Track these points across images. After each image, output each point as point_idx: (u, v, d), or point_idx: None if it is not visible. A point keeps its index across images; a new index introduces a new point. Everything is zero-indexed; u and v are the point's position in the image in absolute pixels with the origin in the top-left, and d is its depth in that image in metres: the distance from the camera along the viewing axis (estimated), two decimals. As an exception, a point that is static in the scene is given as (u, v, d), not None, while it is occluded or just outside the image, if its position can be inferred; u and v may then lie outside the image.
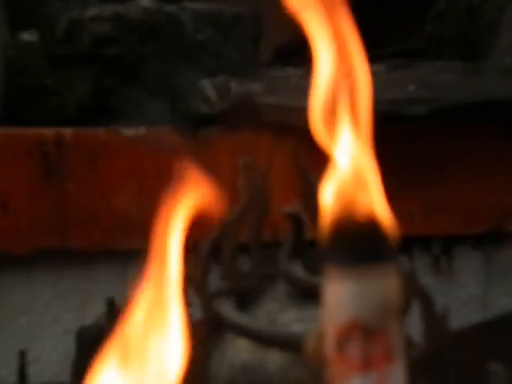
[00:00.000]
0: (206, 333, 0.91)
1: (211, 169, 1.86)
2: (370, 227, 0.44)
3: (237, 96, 1.66)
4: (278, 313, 0.91)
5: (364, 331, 0.43)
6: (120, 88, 1.75)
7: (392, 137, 1.49)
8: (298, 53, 1.97)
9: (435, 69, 1.82)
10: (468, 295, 1.53)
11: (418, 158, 1.61)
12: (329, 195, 0.48)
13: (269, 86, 1.68)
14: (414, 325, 0.91)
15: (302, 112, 1.78)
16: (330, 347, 0.44)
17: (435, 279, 1.54)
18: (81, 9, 1.80)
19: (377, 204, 0.45)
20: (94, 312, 1.55)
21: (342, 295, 0.44)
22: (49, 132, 1.68)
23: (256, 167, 1.01)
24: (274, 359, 0.89)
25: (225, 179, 1.59)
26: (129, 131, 1.69)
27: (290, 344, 0.87)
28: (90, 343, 1.45)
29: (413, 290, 0.85)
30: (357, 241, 0.44)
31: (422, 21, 2.06)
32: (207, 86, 1.69)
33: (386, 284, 0.44)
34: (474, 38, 1.96)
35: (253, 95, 1.65)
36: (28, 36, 1.83)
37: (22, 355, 1.03)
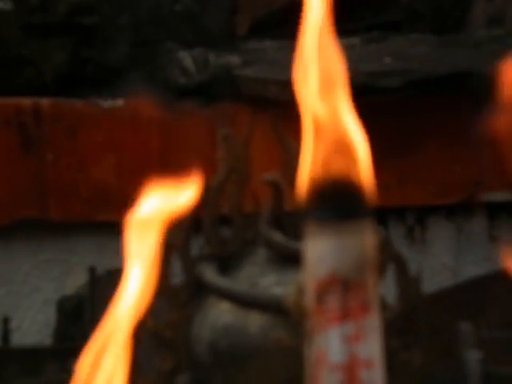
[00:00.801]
0: (188, 296, 0.94)
1: (190, 141, 1.89)
2: (348, 187, 0.46)
3: (215, 68, 1.68)
4: (258, 277, 0.93)
5: (342, 284, 0.45)
6: (97, 58, 1.76)
7: (368, 109, 1.52)
8: (274, 26, 2.00)
9: (410, 42, 1.85)
10: (440, 264, 1.56)
11: (393, 130, 1.63)
12: (309, 158, 0.49)
13: (247, 58, 1.71)
14: (389, 288, 0.96)
15: (280, 84, 1.82)
16: (310, 300, 0.46)
17: (409, 249, 1.57)
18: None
19: (355, 165, 0.46)
20: (74, 282, 1.58)
21: (321, 251, 0.46)
22: (26, 102, 1.69)
23: (235, 139, 1.03)
24: (255, 321, 0.91)
25: (204, 151, 1.63)
26: (107, 102, 1.71)
27: (270, 306, 0.90)
28: (70, 313, 1.46)
29: (388, 255, 0.89)
30: (335, 199, 0.46)
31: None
32: (185, 57, 1.71)
33: (363, 240, 0.45)
34: (447, 11, 1.99)
35: (231, 67, 1.67)
36: (2, 4, 1.84)
37: (6, 322, 1.06)
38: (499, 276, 1.16)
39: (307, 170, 0.49)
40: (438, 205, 1.69)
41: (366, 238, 0.46)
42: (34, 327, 1.57)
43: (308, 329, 0.50)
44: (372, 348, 0.51)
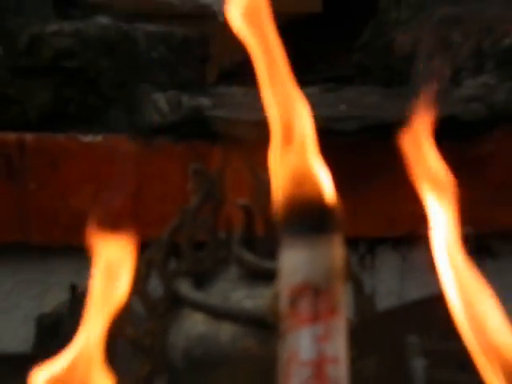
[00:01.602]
0: (165, 308, 0.95)
1: (163, 174, 1.91)
2: (318, 205, 0.49)
3: (187, 109, 1.70)
4: (230, 291, 0.95)
5: (313, 291, 0.47)
6: (79, 98, 1.77)
7: (326, 149, 1.55)
8: (239, 74, 2.03)
9: (361, 92, 1.89)
10: (387, 289, 1.59)
11: (348, 169, 1.66)
12: (281, 183, 0.50)
13: (216, 101, 1.73)
14: (347, 303, 0.98)
15: (246, 124, 1.85)
16: (284, 304, 0.48)
17: (361, 275, 1.60)
18: (41, 24, 1.81)
19: (323, 188, 0.49)
20: (52, 301, 1.58)
21: (295, 261, 0.47)
22: (11, 136, 1.69)
23: (205, 172, 1.04)
24: (226, 331, 0.93)
25: (176, 183, 1.65)
26: (87, 138, 1.71)
27: (240, 318, 0.91)
28: (49, 329, 1.46)
29: (347, 274, 0.91)
30: (307, 216, 0.48)
31: (348, 51, 2.14)
32: (160, 98, 1.73)
33: (332, 252, 0.47)
34: (392, 67, 2.04)
35: (202, 108, 1.69)
36: (-9, 50, 1.85)
37: None
38: (438, 298, 1.20)
39: (280, 192, 0.52)
40: (386, 236, 1.72)
41: (334, 251, 0.48)
42: (13, 342, 1.57)
43: (282, 329, 0.51)
44: (338, 346, 0.51)
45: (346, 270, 0.51)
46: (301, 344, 0.48)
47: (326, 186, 0.52)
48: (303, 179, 0.52)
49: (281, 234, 0.50)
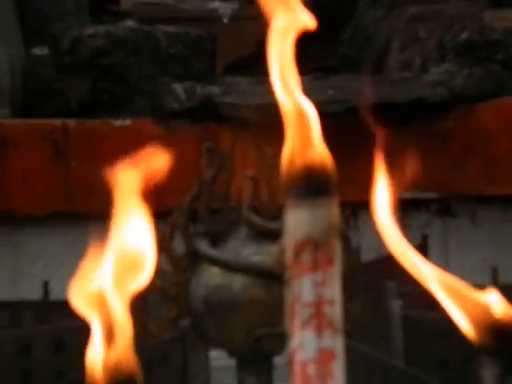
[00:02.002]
0: (187, 263, 0.95)
1: (181, 151, 1.90)
2: (318, 173, 0.47)
3: (200, 96, 1.69)
4: (240, 248, 0.94)
5: (313, 244, 0.45)
6: (111, 89, 1.76)
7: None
8: (243, 66, 2.01)
9: (345, 80, 1.88)
10: (369, 245, 1.58)
11: (334, 145, 1.65)
12: (287, 154, 0.48)
13: (224, 89, 1.72)
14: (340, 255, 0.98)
15: (250, 108, 1.83)
16: (289, 256, 0.46)
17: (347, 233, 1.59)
18: (80, 29, 1.81)
19: (322, 158, 0.47)
20: None
21: (298, 219, 0.46)
22: (56, 122, 1.69)
23: (216, 149, 1.03)
24: (238, 281, 0.92)
25: (192, 159, 1.64)
26: (117, 122, 1.72)
27: (250, 270, 0.91)
28: None
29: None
30: (309, 182, 0.47)
31: (334, 45, 2.12)
32: (177, 88, 1.72)
33: (330, 211, 0.46)
34: (371, 58, 2.02)
35: (212, 96, 1.69)
36: (39, 51, 1.84)
37: (46, 285, 1.06)
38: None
39: (286, 161, 0.51)
40: (366, 201, 1.71)
41: (331, 210, 0.47)
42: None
43: (287, 277, 0.50)
44: (334, 290, 0.50)
45: (339, 227, 0.49)
46: (303, 289, 0.48)
47: (325, 156, 0.50)
48: (306, 151, 0.50)
49: (286, 197, 0.48)
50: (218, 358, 1.13)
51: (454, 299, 0.49)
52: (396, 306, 0.87)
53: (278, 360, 0.97)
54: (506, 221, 1.77)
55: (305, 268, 0.46)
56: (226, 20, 2.24)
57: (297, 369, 0.50)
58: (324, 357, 0.48)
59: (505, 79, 1.80)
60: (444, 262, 1.56)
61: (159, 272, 0.94)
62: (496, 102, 1.76)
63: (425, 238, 1.18)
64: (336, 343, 0.49)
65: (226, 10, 2.26)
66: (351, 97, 1.72)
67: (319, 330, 0.49)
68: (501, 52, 1.82)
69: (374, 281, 0.96)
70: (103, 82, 1.76)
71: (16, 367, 0.72)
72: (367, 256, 1.44)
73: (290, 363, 0.51)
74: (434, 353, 0.82)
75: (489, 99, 1.77)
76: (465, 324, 0.48)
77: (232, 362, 1.00)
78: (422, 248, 1.18)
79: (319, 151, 0.51)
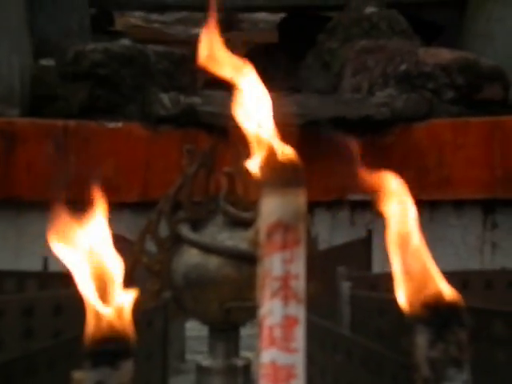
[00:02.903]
0: (170, 244, 0.94)
1: (165, 152, 1.89)
2: (289, 167, 0.48)
3: (184, 105, 1.69)
4: (217, 233, 0.93)
5: (284, 227, 0.46)
6: (106, 96, 1.75)
7: (283, 137, 1.54)
8: (220, 81, 2.01)
9: (306, 98, 1.89)
10: (321, 238, 1.59)
11: (297, 151, 1.65)
12: (260, 155, 0.49)
13: (204, 100, 1.72)
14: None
15: (227, 117, 1.82)
16: (262, 237, 0.46)
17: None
18: (82, 44, 1.80)
19: (292, 157, 0.48)
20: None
21: (271, 206, 0.46)
22: (58, 123, 1.67)
23: (195, 151, 1.02)
24: (213, 262, 0.92)
25: (174, 159, 1.64)
26: (111, 124, 1.70)
27: (224, 253, 0.90)
28: None
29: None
30: (281, 174, 0.47)
31: (297, 69, 2.14)
32: (164, 97, 1.72)
33: (298, 199, 0.47)
34: (328, 80, 2.04)
35: (194, 105, 1.68)
36: (45, 62, 1.82)
37: (45, 260, 1.05)
38: (355, 244, 1.21)
39: (259, 162, 0.51)
40: (321, 200, 1.72)
41: (300, 199, 0.47)
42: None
43: (260, 255, 0.50)
44: (300, 267, 0.51)
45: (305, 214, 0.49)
46: (273, 265, 0.50)
47: (295, 156, 0.51)
48: (278, 152, 0.50)
49: (261, 187, 0.50)
50: (192, 328, 1.13)
51: (402, 279, 0.50)
52: (345, 287, 0.88)
53: (243, 332, 0.97)
54: (434, 222, 1.80)
55: (275, 247, 0.46)
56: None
57: (265, 332, 0.50)
58: (288, 322, 0.48)
59: (434, 104, 1.84)
60: (384, 253, 1.57)
61: (145, 251, 0.94)
62: (428, 122, 1.80)
63: (369, 232, 1.19)
64: (299, 311, 0.49)
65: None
66: (311, 112, 1.74)
67: (285, 299, 0.49)
68: (432, 82, 1.86)
69: (327, 266, 0.96)
70: (100, 89, 1.76)
71: (21, 327, 0.71)
72: (320, 247, 1.45)
73: (259, 327, 0.51)
74: (375, 326, 0.83)
75: (422, 120, 1.80)
76: (404, 300, 0.49)
77: (203, 332, 1.00)
78: (367, 240, 1.19)
79: (289, 152, 0.51)
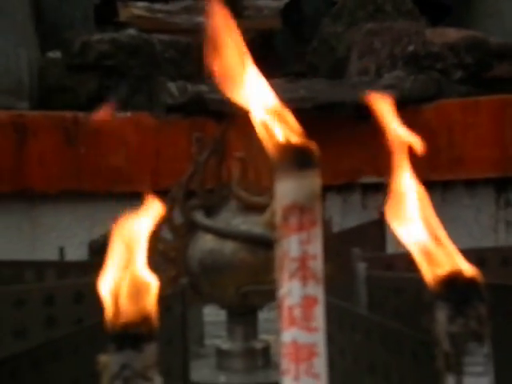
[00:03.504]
0: (185, 231, 0.95)
1: (174, 140, 1.89)
2: (303, 150, 0.47)
3: (191, 93, 1.69)
4: (230, 219, 0.94)
5: (299, 209, 0.45)
6: (114, 86, 1.76)
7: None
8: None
9: (313, 82, 1.89)
10: (333, 221, 1.59)
11: (305, 135, 1.65)
12: (273, 137, 0.48)
13: (211, 88, 1.71)
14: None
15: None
16: (279, 219, 0.46)
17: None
18: (88, 35, 1.80)
19: (306, 139, 0.48)
20: (99, 231, 1.57)
21: (286, 188, 0.46)
22: (68, 114, 1.68)
23: (204, 139, 1.02)
24: (228, 246, 0.92)
25: (183, 147, 1.64)
26: (120, 115, 1.70)
27: (239, 237, 0.91)
28: (97, 250, 1.44)
29: None
30: (296, 156, 0.47)
31: (303, 54, 2.13)
32: (171, 86, 1.72)
33: (313, 181, 0.46)
34: (334, 65, 2.03)
35: (201, 93, 1.68)
36: (52, 54, 1.82)
37: (61, 250, 1.06)
38: (368, 226, 1.21)
39: (276, 142, 0.51)
40: (332, 184, 1.72)
41: (314, 181, 0.47)
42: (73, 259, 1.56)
43: (277, 237, 0.50)
44: (317, 247, 0.50)
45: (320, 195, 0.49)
46: (290, 246, 0.49)
47: (307, 136, 0.50)
48: (292, 134, 0.50)
49: (276, 170, 0.50)
50: (209, 314, 1.13)
51: (421, 257, 0.50)
52: (361, 267, 0.88)
53: (260, 316, 0.98)
54: (446, 202, 1.80)
55: (292, 229, 0.46)
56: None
57: (285, 312, 0.50)
58: (308, 302, 0.48)
59: (442, 84, 1.83)
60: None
61: (161, 239, 0.94)
62: (437, 102, 1.80)
63: (382, 214, 1.19)
64: (318, 291, 0.49)
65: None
66: (318, 95, 1.73)
67: (304, 280, 0.49)
68: (439, 62, 1.85)
69: (341, 248, 0.97)
70: (107, 80, 1.76)
71: (42, 315, 0.72)
72: (334, 229, 1.45)
73: (279, 308, 0.51)
74: (392, 306, 0.84)
75: (431, 100, 1.80)
76: (425, 276, 0.49)
77: (220, 317, 1.01)
78: (381, 222, 1.19)
79: (303, 134, 0.51)
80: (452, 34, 1.89)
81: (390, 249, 1.19)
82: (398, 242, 0.55)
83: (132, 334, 0.42)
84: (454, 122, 1.77)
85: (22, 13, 1.82)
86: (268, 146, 0.52)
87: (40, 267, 0.88)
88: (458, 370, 0.44)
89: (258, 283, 0.91)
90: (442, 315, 0.46)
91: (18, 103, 1.71)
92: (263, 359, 0.94)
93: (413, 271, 0.90)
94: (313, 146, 0.51)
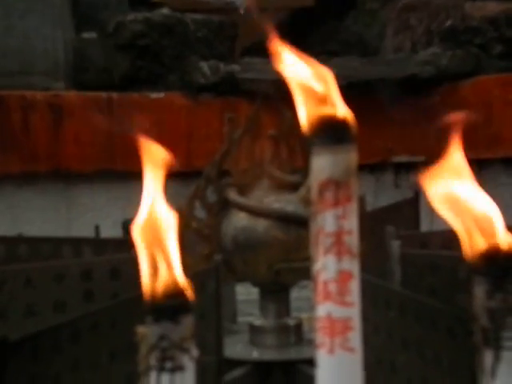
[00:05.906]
0: (219, 209, 0.95)
1: (206, 121, 1.89)
2: (339, 123, 0.48)
3: (223, 73, 1.69)
4: (263, 197, 0.94)
5: (335, 184, 0.45)
6: (148, 66, 1.76)
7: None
8: (258, 48, 2.00)
9: (346, 60, 1.87)
10: (366, 200, 1.58)
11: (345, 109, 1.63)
12: (309, 111, 0.49)
13: (243, 67, 1.71)
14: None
15: (267, 82, 1.82)
16: (314, 194, 0.45)
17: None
18: (122, 15, 1.80)
19: (343, 112, 0.47)
20: (132, 211, 1.58)
21: (322, 163, 0.45)
22: (103, 95, 1.69)
23: (236, 119, 1.02)
24: (261, 224, 0.93)
25: (215, 127, 1.64)
26: (153, 95, 1.71)
27: (271, 215, 0.91)
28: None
29: None
30: (332, 130, 0.45)
31: (335, 32, 2.11)
32: (204, 66, 1.72)
33: (348, 156, 0.45)
34: (368, 42, 2.01)
35: (233, 73, 1.68)
36: (87, 35, 1.83)
37: (97, 228, 1.07)
38: (402, 204, 1.20)
39: (308, 115, 0.50)
40: (364, 163, 1.71)
41: (351, 155, 0.46)
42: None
43: (313, 212, 0.50)
44: (352, 223, 0.49)
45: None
46: (326, 221, 0.48)
47: (346, 110, 0.48)
48: (328, 106, 0.48)
49: (311, 144, 0.49)
50: (241, 292, 1.14)
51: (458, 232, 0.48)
52: (395, 245, 0.88)
53: (292, 294, 0.98)
54: (483, 181, 1.78)
55: (328, 204, 0.46)
56: (242, 11, 2.22)
57: (320, 287, 0.50)
58: (343, 277, 0.48)
59: (481, 60, 1.79)
60: (432, 214, 1.56)
61: (195, 217, 0.95)
62: (474, 79, 1.76)
63: (417, 193, 1.18)
64: (353, 266, 0.49)
65: (241, 2, 2.25)
66: (352, 73, 1.72)
67: (339, 255, 0.48)
68: (478, 37, 1.81)
69: (375, 226, 0.96)
70: (141, 60, 1.76)
71: (80, 289, 0.73)
72: (367, 209, 1.43)
73: (314, 283, 0.51)
74: (427, 283, 0.83)
75: (468, 77, 1.76)
76: (464, 250, 0.48)
77: (252, 296, 1.01)
78: (415, 201, 1.18)
79: (340, 107, 0.49)
80: (492, 6, 1.84)
81: (424, 227, 1.18)
82: (434, 218, 0.54)
83: (169, 306, 0.42)
84: (492, 98, 1.74)
85: (58, -3, 1.84)
86: (304, 120, 0.50)
87: (77, 244, 0.89)
88: (497, 345, 0.43)
89: (290, 261, 0.91)
90: (480, 290, 0.45)
91: (54, 84, 1.72)
92: (296, 336, 0.94)
93: (447, 249, 0.89)
94: (349, 118, 0.49)
